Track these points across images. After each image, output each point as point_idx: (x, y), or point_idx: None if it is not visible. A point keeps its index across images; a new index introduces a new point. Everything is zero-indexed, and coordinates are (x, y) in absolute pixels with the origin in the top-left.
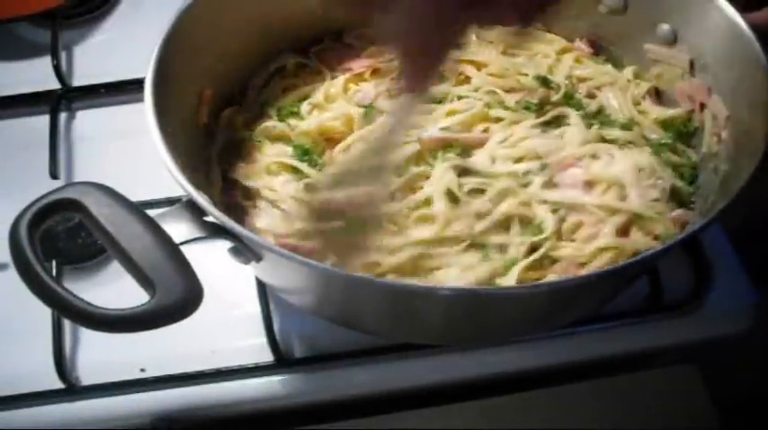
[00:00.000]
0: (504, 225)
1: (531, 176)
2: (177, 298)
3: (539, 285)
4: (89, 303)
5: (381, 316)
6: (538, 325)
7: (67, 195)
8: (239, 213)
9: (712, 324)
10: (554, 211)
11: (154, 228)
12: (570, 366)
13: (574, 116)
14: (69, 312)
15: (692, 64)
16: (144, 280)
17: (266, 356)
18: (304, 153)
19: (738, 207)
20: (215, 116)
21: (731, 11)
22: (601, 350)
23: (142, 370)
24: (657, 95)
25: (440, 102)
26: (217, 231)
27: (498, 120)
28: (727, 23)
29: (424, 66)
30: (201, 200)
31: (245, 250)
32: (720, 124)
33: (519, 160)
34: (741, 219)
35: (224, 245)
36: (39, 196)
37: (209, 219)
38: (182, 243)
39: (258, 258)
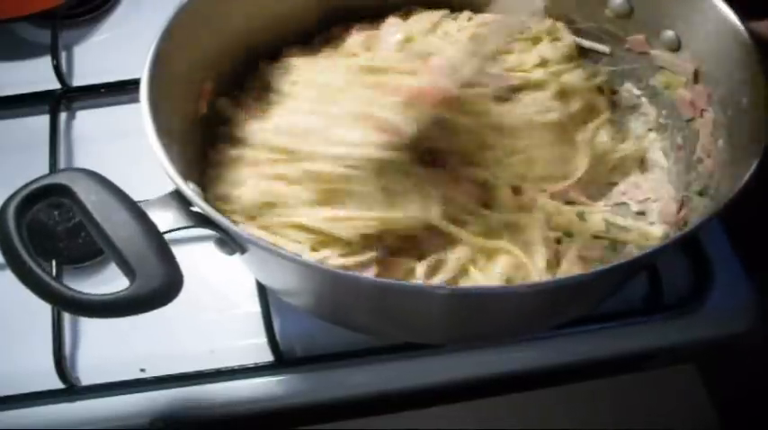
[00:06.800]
0: None
1: None
2: (156, 286)
3: (538, 284)
4: (68, 287)
5: (372, 313)
6: (535, 324)
7: (57, 181)
8: None
9: (712, 324)
10: None
11: (140, 215)
12: (570, 366)
13: None
14: (49, 295)
15: (695, 73)
16: (125, 267)
17: (266, 356)
18: None
19: (737, 207)
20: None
21: (733, 18)
22: (601, 350)
23: (142, 370)
24: None
25: None
26: (202, 221)
27: None
28: (729, 31)
29: None
30: (186, 189)
31: (230, 241)
32: (717, 132)
33: None
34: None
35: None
36: (28, 181)
37: (196, 208)
38: (167, 231)
39: (243, 250)
